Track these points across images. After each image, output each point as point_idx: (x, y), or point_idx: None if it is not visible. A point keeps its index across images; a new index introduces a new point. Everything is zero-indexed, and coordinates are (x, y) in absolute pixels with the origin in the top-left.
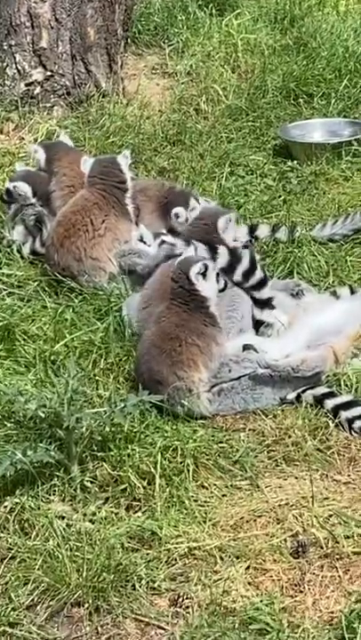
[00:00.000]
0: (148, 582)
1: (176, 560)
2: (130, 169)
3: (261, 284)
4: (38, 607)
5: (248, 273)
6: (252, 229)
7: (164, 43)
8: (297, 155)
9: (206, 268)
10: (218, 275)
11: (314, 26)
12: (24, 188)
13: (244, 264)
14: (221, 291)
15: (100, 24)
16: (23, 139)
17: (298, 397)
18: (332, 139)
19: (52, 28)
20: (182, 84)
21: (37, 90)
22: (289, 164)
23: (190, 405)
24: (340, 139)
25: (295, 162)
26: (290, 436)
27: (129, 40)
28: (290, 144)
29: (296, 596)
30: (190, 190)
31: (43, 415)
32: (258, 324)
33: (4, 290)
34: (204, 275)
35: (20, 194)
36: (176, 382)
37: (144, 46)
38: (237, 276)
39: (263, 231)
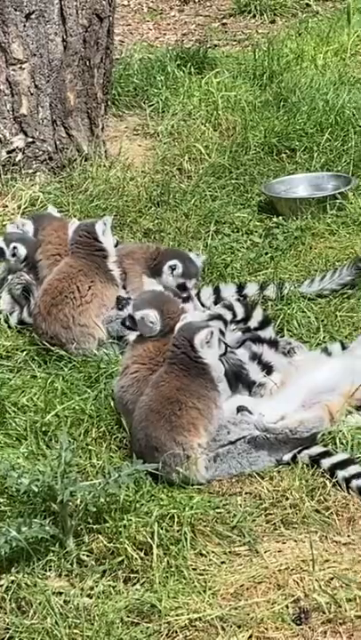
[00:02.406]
0: None
1: (177, 632)
2: (112, 233)
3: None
4: None
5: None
6: (241, 288)
7: (144, 103)
8: (282, 210)
9: (211, 334)
10: (219, 340)
11: (293, 80)
12: (22, 252)
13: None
14: (222, 355)
15: (79, 88)
16: (6, 206)
17: (294, 458)
18: (316, 193)
19: (31, 94)
20: (164, 144)
21: (19, 156)
22: (274, 219)
23: (186, 473)
24: (324, 193)
25: (280, 217)
26: (287, 498)
27: (109, 102)
28: (274, 200)
29: None
30: (178, 248)
31: (36, 490)
32: (251, 385)
33: None
34: (208, 341)
35: (14, 254)
36: (174, 448)
37: (124, 108)
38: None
39: (251, 289)
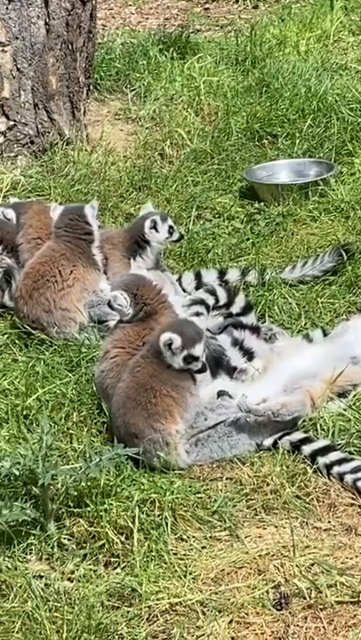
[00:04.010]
0: None
1: (157, 617)
2: (96, 218)
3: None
4: None
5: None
6: (222, 273)
7: (126, 88)
8: (264, 196)
9: (171, 342)
10: (193, 357)
11: (275, 66)
12: None
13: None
14: (197, 372)
15: (61, 72)
16: None
17: (275, 444)
18: (298, 179)
19: (13, 77)
20: (146, 128)
21: (0, 140)
22: (256, 205)
23: (167, 458)
24: (306, 179)
25: (262, 203)
26: (268, 484)
27: (91, 87)
28: (256, 186)
29: None
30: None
31: (17, 473)
32: (231, 371)
33: None
34: (170, 346)
35: None
36: (153, 435)
37: (106, 92)
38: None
39: (233, 275)
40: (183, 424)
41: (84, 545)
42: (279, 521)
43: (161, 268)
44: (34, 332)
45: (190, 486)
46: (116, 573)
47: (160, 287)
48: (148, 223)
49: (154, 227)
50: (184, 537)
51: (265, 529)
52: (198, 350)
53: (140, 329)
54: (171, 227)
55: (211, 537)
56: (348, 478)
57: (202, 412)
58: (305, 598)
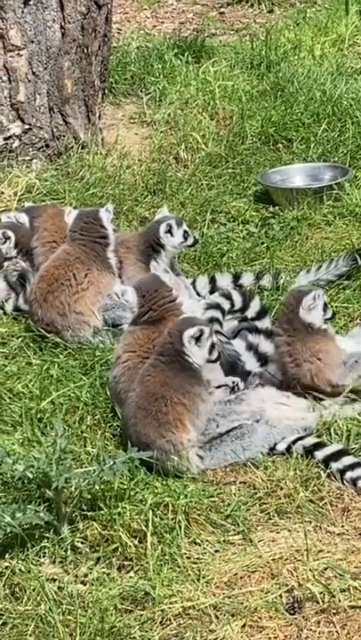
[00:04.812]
0: None
1: (170, 620)
2: (111, 222)
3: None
4: None
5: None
6: (237, 277)
7: (141, 92)
8: (278, 200)
9: (202, 333)
10: (213, 345)
11: (290, 70)
12: (10, 235)
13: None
14: (214, 361)
15: (77, 76)
16: (2, 193)
17: (288, 448)
18: (312, 183)
19: (29, 81)
20: (161, 132)
21: (16, 143)
22: (271, 209)
23: (181, 465)
24: (320, 183)
25: (277, 207)
26: (281, 488)
27: (106, 90)
28: (271, 190)
29: None
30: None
31: (31, 476)
32: (246, 375)
33: None
34: (198, 339)
35: (6, 238)
36: (164, 445)
37: (121, 96)
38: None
39: (247, 279)
40: (195, 432)
41: (98, 548)
42: (293, 525)
43: (175, 272)
44: (48, 335)
45: (204, 490)
46: (130, 577)
47: (175, 296)
48: (163, 227)
49: (169, 231)
50: (197, 541)
51: (278, 533)
52: (214, 338)
53: (150, 332)
54: (186, 231)
55: (224, 541)
56: None
57: (213, 419)
58: (318, 602)
